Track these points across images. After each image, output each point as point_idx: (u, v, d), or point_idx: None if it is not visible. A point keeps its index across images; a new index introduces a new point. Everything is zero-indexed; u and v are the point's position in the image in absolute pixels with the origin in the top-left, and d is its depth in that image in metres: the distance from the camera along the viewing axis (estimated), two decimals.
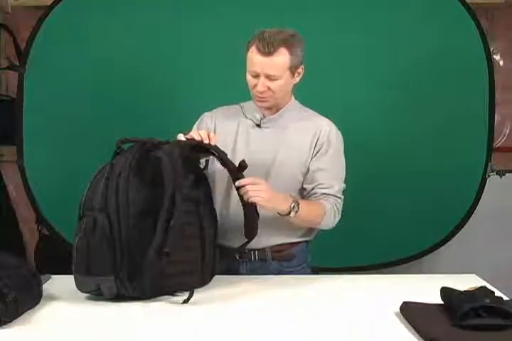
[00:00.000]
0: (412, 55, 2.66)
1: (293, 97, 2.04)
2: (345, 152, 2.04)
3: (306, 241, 2.05)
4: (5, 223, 3.09)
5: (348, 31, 2.65)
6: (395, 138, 2.67)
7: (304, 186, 1.99)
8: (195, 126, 2.06)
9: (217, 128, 2.02)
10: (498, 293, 1.52)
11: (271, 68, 1.85)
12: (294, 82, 1.96)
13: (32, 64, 2.69)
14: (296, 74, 1.93)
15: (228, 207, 1.96)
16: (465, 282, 1.57)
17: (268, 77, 1.87)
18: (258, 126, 2.00)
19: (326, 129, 1.99)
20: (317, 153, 1.98)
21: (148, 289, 1.60)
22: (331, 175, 1.97)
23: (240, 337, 1.37)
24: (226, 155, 1.81)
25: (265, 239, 1.93)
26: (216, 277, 1.80)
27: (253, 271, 1.97)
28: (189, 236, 1.70)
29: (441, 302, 1.47)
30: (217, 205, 1.93)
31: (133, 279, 1.57)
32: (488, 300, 1.36)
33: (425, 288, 1.63)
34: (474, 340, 1.29)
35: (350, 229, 2.61)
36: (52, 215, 2.72)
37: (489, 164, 2.67)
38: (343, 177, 2.01)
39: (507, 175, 2.92)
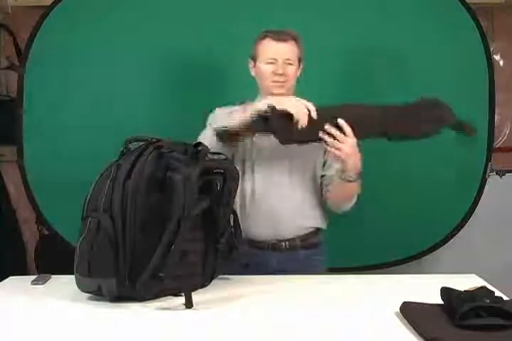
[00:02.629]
0: (411, 55, 2.66)
1: None
2: None
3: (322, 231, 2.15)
4: (5, 223, 3.09)
5: (347, 31, 2.65)
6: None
7: (323, 173, 2.09)
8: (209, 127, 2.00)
9: None
10: (498, 293, 1.51)
11: (287, 52, 2.01)
12: (297, 76, 2.06)
13: (32, 64, 2.69)
14: (300, 67, 2.06)
15: (254, 192, 2.04)
16: (465, 282, 1.56)
17: (285, 62, 2.00)
18: None
19: None
20: None
21: (149, 290, 1.59)
22: None
23: (239, 338, 1.37)
24: None
25: (294, 228, 2.05)
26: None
27: (283, 262, 2.04)
28: (190, 261, 1.67)
29: (441, 303, 1.46)
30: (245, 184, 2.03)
31: (134, 280, 1.56)
32: (488, 300, 1.36)
33: (425, 288, 1.62)
34: (474, 340, 1.29)
35: (350, 229, 2.62)
36: (52, 215, 2.72)
37: (489, 164, 2.67)
38: None
39: (507, 175, 2.92)
